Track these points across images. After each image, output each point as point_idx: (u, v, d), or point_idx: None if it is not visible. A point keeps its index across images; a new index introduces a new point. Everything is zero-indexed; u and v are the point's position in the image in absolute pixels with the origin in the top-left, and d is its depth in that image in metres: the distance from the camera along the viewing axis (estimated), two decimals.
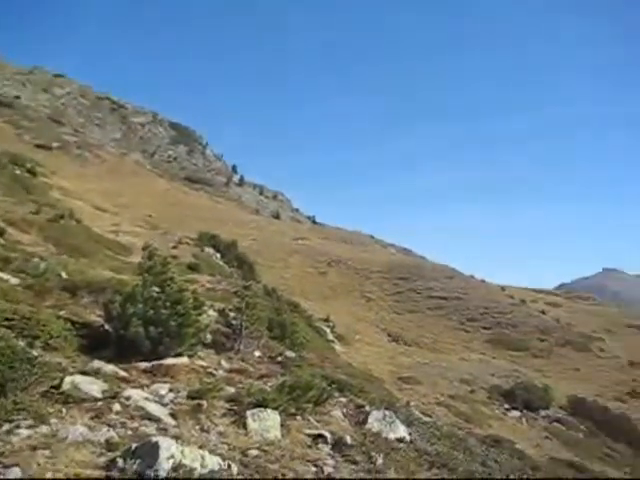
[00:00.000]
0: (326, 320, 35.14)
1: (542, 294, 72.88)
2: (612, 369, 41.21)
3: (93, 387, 7.14)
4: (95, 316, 10.77)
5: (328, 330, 32.81)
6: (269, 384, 9.28)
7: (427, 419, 12.95)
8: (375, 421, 8.34)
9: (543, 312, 54.03)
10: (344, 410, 8.98)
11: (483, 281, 68.59)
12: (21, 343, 7.26)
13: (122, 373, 8.13)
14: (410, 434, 8.61)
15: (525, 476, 9.04)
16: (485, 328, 45.50)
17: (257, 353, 12.49)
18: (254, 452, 6.24)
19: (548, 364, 39.88)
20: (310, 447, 7.02)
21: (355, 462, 6.78)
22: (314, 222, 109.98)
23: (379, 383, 22.52)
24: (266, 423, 7.02)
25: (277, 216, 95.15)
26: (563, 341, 44.81)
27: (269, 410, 7.22)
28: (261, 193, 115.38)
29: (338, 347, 30.35)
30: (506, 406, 28.20)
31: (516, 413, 27.87)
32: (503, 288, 65.97)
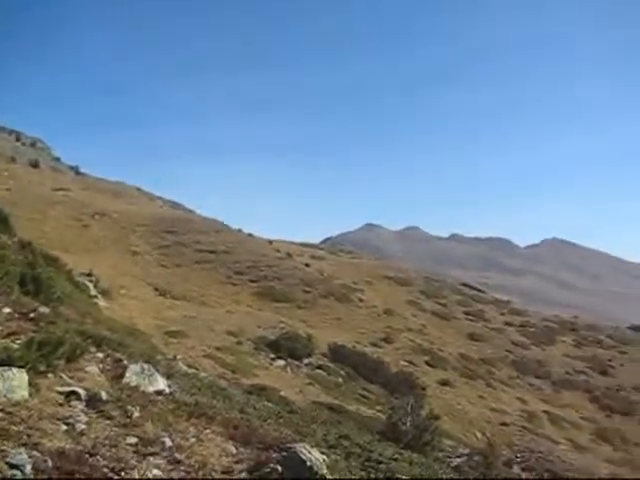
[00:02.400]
0: (89, 275, 33.70)
1: (308, 248, 76.31)
2: (370, 317, 44.67)
3: None
4: None
5: (91, 285, 31.48)
6: (18, 342, 8.73)
7: (190, 371, 13.10)
8: (133, 375, 8.25)
9: (308, 265, 56.69)
10: (101, 365, 8.75)
11: (251, 235, 70.13)
12: None
13: None
14: (170, 386, 8.66)
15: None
16: (252, 281, 46.69)
17: (7, 310, 11.61)
18: None
19: (312, 314, 42.09)
20: (62, 405, 6.77)
21: (110, 417, 6.68)
22: (77, 172, 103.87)
23: (144, 337, 22.23)
24: (12, 383, 6.61)
25: (36, 165, 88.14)
26: (326, 292, 47.50)
27: (15, 369, 6.80)
28: (18, 140, 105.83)
29: (101, 302, 29.30)
30: (272, 356, 29.35)
31: (281, 362, 29.12)
32: (270, 242, 68.00)
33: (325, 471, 6.23)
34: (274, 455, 6.73)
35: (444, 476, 8.74)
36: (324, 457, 6.59)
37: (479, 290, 75.83)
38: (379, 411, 24.42)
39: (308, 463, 6.11)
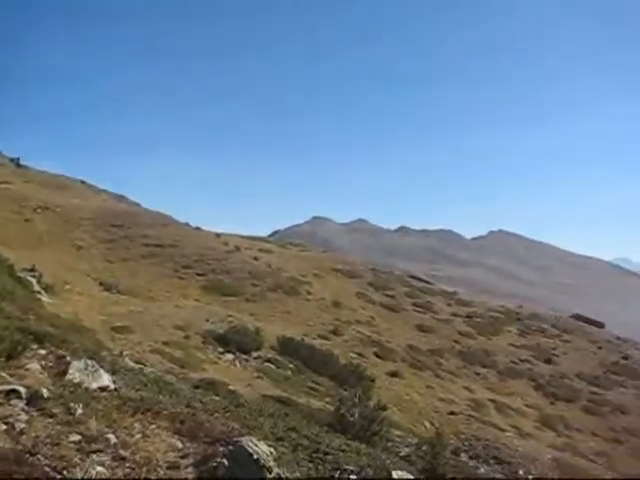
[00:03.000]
0: (32, 270, 32.91)
1: (256, 241, 75.96)
2: (318, 310, 44.80)
3: None
4: None
5: (34, 280, 30.75)
6: None
7: (136, 366, 12.94)
8: (76, 371, 8.12)
9: (256, 258, 56.46)
10: (43, 362, 8.59)
11: (198, 229, 69.52)
12: None
13: None
14: (115, 382, 8.55)
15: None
16: (200, 275, 46.27)
17: None
18: None
19: (260, 308, 41.98)
20: (1, 404, 6.63)
21: (52, 415, 6.57)
22: (18, 165, 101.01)
23: (90, 333, 21.86)
24: None
25: None
26: (274, 286, 47.41)
27: None
28: None
29: (45, 298, 28.63)
30: (220, 350, 29.18)
31: (230, 356, 28.99)
32: (218, 235, 67.41)
33: (272, 464, 6.24)
34: (221, 449, 6.72)
35: (391, 466, 8.85)
36: (271, 450, 6.60)
37: (427, 282, 76.74)
38: (328, 403, 24.54)
39: (255, 456, 6.11)
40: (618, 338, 64.03)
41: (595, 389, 45.02)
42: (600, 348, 55.89)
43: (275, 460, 6.44)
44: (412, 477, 7.87)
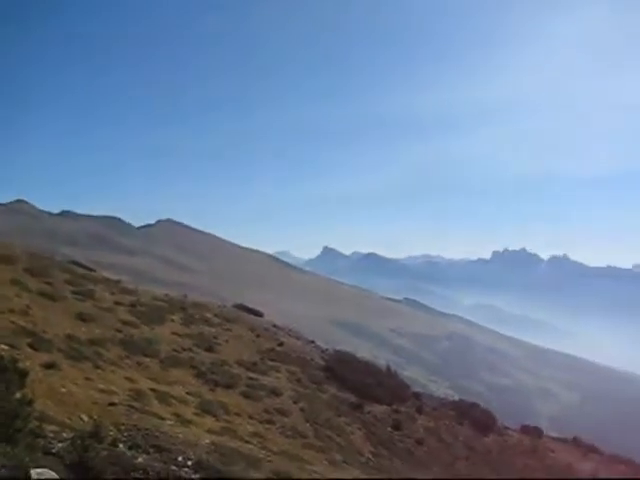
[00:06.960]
0: None
1: None
2: None
3: None
4: None
5: None
6: None
7: None
8: None
9: None
10: None
11: None
12: None
13: None
14: None
15: None
16: None
17: None
18: None
19: None
20: None
21: None
22: None
23: None
24: None
25: None
26: None
27: None
28: None
29: None
30: None
31: None
32: None
33: None
34: None
35: (31, 464, 8.09)
36: None
37: (89, 269, 73.84)
38: None
39: None
40: (274, 326, 68.69)
41: (253, 374, 47.64)
42: (259, 336, 59.27)
43: None
44: (54, 474, 7.26)
